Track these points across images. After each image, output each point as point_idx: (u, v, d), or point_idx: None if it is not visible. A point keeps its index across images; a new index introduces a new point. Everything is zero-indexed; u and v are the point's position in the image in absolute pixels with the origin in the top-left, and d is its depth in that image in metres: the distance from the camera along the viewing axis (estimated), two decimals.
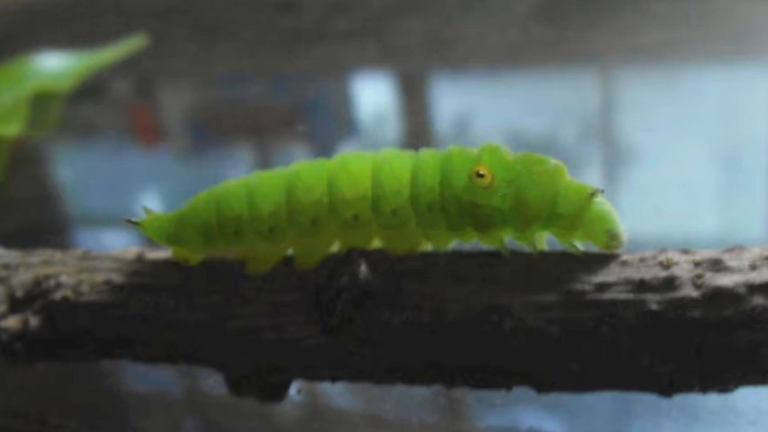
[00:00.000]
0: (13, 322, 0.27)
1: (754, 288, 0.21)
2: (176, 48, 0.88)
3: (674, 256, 0.22)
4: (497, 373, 0.23)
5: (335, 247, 0.25)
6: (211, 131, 0.73)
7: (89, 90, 0.68)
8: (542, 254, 0.23)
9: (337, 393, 0.31)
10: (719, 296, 0.21)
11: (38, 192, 0.61)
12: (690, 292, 0.21)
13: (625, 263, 0.22)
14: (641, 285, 0.22)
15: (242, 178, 0.26)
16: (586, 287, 0.22)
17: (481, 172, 0.23)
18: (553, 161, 0.23)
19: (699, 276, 0.21)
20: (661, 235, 0.39)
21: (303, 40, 0.82)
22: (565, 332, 0.22)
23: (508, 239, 0.24)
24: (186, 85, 0.86)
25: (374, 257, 0.24)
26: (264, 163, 0.65)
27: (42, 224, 0.53)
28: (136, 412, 0.35)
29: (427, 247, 0.25)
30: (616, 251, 0.23)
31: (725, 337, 0.21)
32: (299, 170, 0.25)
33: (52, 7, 1.02)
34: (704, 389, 0.22)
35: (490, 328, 0.22)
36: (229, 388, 0.26)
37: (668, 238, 0.35)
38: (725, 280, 0.21)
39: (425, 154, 0.24)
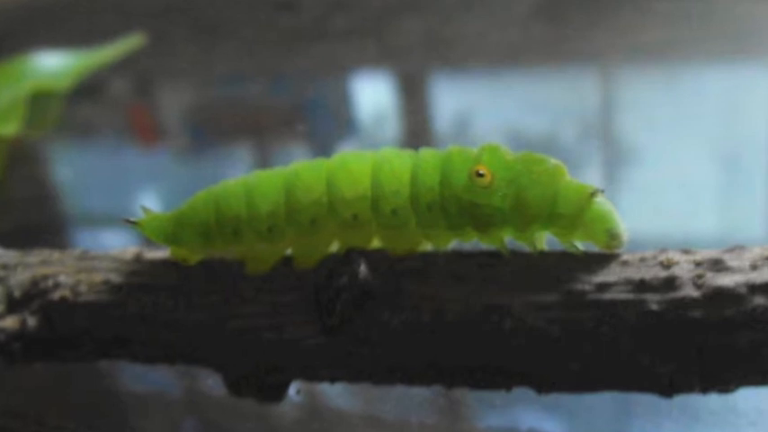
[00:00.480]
0: (10, 322, 0.27)
1: (755, 288, 0.21)
2: (175, 47, 0.87)
3: (675, 256, 0.22)
4: (497, 374, 0.23)
5: (335, 247, 0.25)
6: (210, 131, 0.73)
7: (87, 89, 0.68)
8: (542, 254, 0.23)
9: (336, 394, 0.31)
10: (720, 296, 0.21)
11: (36, 191, 0.60)
12: (690, 292, 0.21)
13: (625, 263, 0.22)
14: (642, 285, 0.22)
15: (241, 178, 0.26)
16: (587, 287, 0.22)
17: (481, 171, 0.22)
18: (553, 161, 0.23)
19: (699, 276, 0.21)
20: (661, 235, 0.39)
21: (303, 39, 0.82)
22: (565, 332, 0.22)
23: (508, 239, 0.24)
24: (185, 85, 0.86)
25: (374, 257, 0.24)
26: (264, 162, 0.65)
27: (40, 224, 0.53)
28: (134, 413, 0.35)
29: (427, 246, 0.25)
30: (616, 251, 0.23)
31: (726, 338, 0.21)
32: (299, 170, 0.25)
33: (50, 6, 1.01)
34: (705, 389, 0.22)
35: (490, 328, 0.22)
36: (228, 388, 0.26)
37: (669, 237, 0.35)
38: (726, 280, 0.21)
39: (425, 153, 0.24)
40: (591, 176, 0.49)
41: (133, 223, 0.26)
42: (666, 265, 0.22)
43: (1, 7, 1.02)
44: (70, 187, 0.64)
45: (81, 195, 0.63)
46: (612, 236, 0.22)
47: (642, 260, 0.22)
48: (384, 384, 0.25)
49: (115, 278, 0.27)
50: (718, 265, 0.21)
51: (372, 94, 0.77)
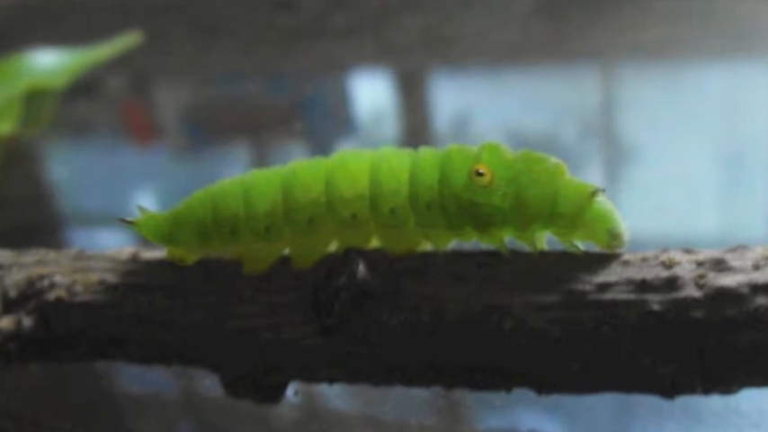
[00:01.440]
0: (6, 323, 0.27)
1: (757, 288, 0.20)
2: (172, 45, 0.87)
3: (677, 255, 0.22)
4: (497, 374, 0.23)
5: (333, 247, 0.25)
6: (208, 129, 0.73)
7: (83, 87, 0.68)
8: (542, 254, 0.23)
9: (335, 395, 0.31)
10: (722, 296, 0.21)
11: (31, 190, 0.60)
12: (692, 292, 0.21)
13: (626, 263, 0.22)
14: (643, 285, 0.21)
15: (238, 177, 0.26)
16: (587, 287, 0.22)
17: (481, 171, 0.22)
18: (553, 160, 0.23)
19: (701, 276, 0.21)
20: (663, 234, 0.39)
21: (301, 37, 0.82)
22: (565, 333, 0.22)
23: (508, 239, 0.23)
24: (182, 83, 0.86)
25: (372, 257, 0.24)
26: (261, 161, 0.65)
27: (36, 223, 0.53)
28: (131, 414, 0.35)
29: (426, 246, 0.25)
30: (617, 251, 0.23)
31: (728, 338, 0.21)
32: (297, 169, 0.25)
33: (46, 3, 1.01)
34: (707, 390, 0.22)
35: (490, 328, 0.22)
36: (225, 389, 0.26)
37: (670, 237, 0.35)
38: (728, 280, 0.21)
39: (424, 152, 0.24)
40: (591, 175, 0.49)
41: (129, 223, 0.26)
42: (668, 265, 0.22)
43: None
44: (66, 186, 0.64)
45: (77, 194, 0.62)
46: (613, 235, 0.22)
47: (643, 260, 0.22)
48: (383, 385, 0.25)
49: (111, 278, 0.26)
50: (720, 265, 0.21)
51: (371, 93, 0.76)
